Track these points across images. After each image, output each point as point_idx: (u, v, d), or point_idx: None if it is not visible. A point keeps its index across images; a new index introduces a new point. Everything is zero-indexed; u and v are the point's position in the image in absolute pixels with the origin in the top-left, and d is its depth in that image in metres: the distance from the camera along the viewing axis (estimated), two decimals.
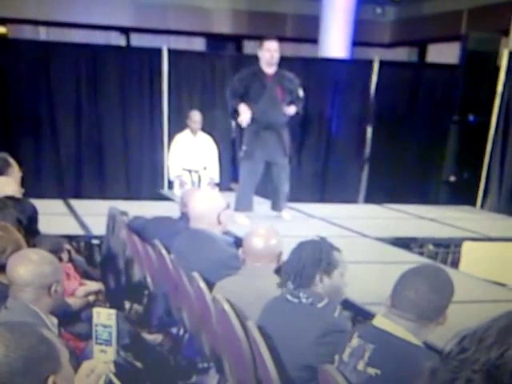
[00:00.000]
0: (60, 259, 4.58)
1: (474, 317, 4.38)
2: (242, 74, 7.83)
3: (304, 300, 3.39)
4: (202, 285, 4.24)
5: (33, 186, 10.01)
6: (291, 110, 7.80)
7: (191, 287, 4.49)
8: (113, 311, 2.95)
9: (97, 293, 5.08)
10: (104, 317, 2.92)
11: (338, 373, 2.81)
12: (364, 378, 2.75)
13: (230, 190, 10.12)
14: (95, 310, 2.95)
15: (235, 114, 7.80)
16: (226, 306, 3.67)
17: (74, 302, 4.78)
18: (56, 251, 4.65)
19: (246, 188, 7.98)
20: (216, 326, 4.01)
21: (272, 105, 7.69)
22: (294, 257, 3.53)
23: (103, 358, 2.90)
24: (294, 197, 8.91)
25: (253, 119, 7.70)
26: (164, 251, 5.15)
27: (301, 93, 7.87)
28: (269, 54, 7.62)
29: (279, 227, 6.72)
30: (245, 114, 7.60)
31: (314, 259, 3.45)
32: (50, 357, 1.96)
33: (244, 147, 7.88)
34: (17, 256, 3.40)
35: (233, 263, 4.41)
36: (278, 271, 3.93)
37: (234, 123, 8.76)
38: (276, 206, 8.13)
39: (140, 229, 5.88)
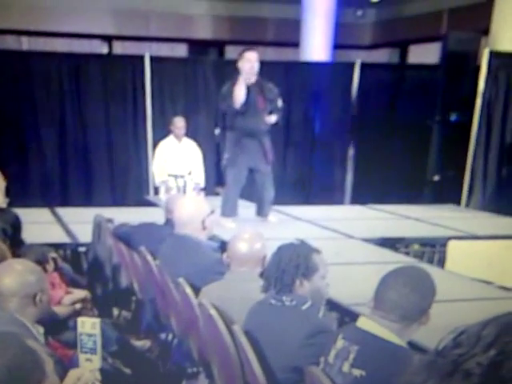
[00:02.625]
0: (45, 270, 4.58)
1: (460, 315, 4.43)
2: (224, 90, 7.84)
3: (287, 303, 3.40)
4: (188, 290, 4.25)
5: (19, 195, 10.00)
6: (271, 119, 7.87)
7: (177, 293, 4.50)
8: (97, 320, 2.97)
9: (83, 301, 5.08)
10: (88, 326, 2.94)
11: (323, 375, 2.82)
12: (349, 379, 2.76)
13: (216, 194, 10.14)
14: (79, 320, 2.97)
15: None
16: (212, 311, 3.68)
17: (61, 310, 4.79)
18: (41, 261, 4.65)
19: (230, 194, 8.04)
20: (203, 331, 4.02)
21: (253, 113, 7.74)
22: (273, 261, 3.54)
23: (89, 366, 2.92)
24: (280, 199, 8.93)
25: (235, 127, 7.80)
26: (150, 257, 5.16)
27: (280, 103, 7.94)
28: (249, 64, 7.66)
29: (266, 230, 6.76)
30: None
31: (292, 265, 3.46)
32: (35, 366, 1.97)
33: (226, 155, 7.95)
34: (0, 266, 3.40)
35: (218, 268, 4.42)
36: (262, 275, 3.94)
37: (217, 130, 8.76)
38: (261, 212, 8.19)
39: (125, 236, 5.90)
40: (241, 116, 7.71)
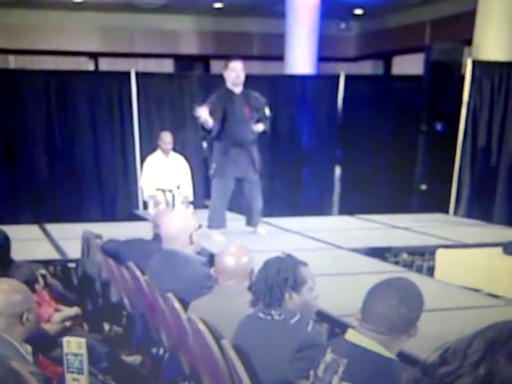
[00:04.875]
0: (34, 289, 4.58)
1: (449, 324, 4.45)
2: (210, 100, 7.84)
3: (276, 317, 3.40)
4: (177, 305, 4.25)
5: (7, 212, 10.02)
6: (259, 127, 7.86)
7: (166, 308, 4.50)
8: (83, 340, 2.97)
9: (73, 318, 5.08)
10: (74, 345, 2.94)
11: None
12: None
13: (205, 207, 10.15)
14: (65, 339, 2.97)
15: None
16: (201, 326, 3.68)
17: (51, 327, 4.78)
18: (30, 281, 4.65)
19: (217, 205, 8.01)
20: (193, 346, 4.02)
21: (240, 123, 7.75)
22: (261, 276, 3.54)
23: None
24: (269, 211, 8.95)
25: (222, 137, 7.78)
26: (138, 273, 5.16)
27: (267, 111, 7.94)
28: (234, 74, 7.68)
29: (254, 243, 6.81)
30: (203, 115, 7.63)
31: (280, 279, 3.45)
32: None
33: (214, 165, 7.93)
34: None
35: (206, 282, 4.42)
36: (250, 289, 3.95)
37: (204, 144, 8.78)
38: (251, 222, 8.17)
39: (114, 251, 5.89)
40: (228, 126, 7.71)
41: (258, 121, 7.86)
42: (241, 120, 7.76)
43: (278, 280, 3.45)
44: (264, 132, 7.97)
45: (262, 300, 3.47)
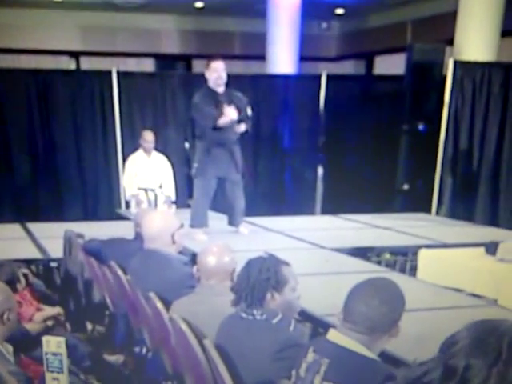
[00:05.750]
0: (15, 289, 4.56)
1: (431, 324, 4.46)
2: (197, 99, 7.80)
3: (258, 317, 3.39)
4: (159, 305, 4.23)
5: None
6: (241, 128, 7.83)
7: (149, 307, 4.48)
8: (62, 339, 2.95)
9: (55, 317, 5.05)
10: (53, 345, 2.92)
11: None
12: None
13: (188, 206, 10.14)
14: (44, 339, 2.95)
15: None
16: (183, 326, 3.66)
17: (32, 327, 4.76)
18: (12, 280, 4.63)
19: (200, 205, 8.00)
20: (175, 346, 4.01)
21: None
22: (242, 275, 3.52)
23: None
24: (251, 211, 8.94)
25: (204, 137, 7.78)
26: (120, 272, 5.14)
27: (249, 111, 7.92)
28: (216, 74, 7.64)
29: (237, 242, 6.80)
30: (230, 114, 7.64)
31: (262, 279, 3.44)
32: None
33: (196, 164, 7.91)
34: None
35: (188, 282, 4.41)
36: (232, 289, 3.94)
37: (187, 144, 8.76)
38: (233, 221, 8.17)
39: (95, 251, 5.87)
40: (210, 126, 7.67)
41: (239, 121, 7.84)
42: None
43: (259, 280, 3.44)
44: (246, 132, 7.95)
45: (243, 300, 3.46)
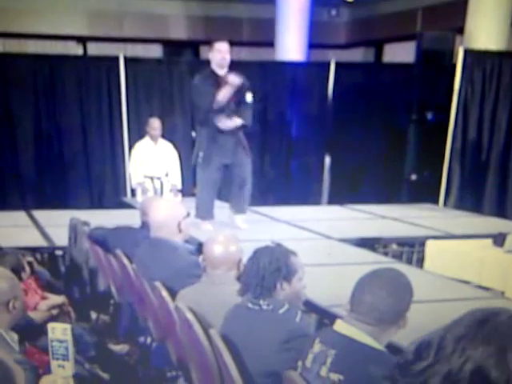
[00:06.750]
0: (20, 278, 4.53)
1: (438, 316, 4.42)
2: (199, 80, 7.61)
3: (265, 307, 3.38)
4: (165, 294, 4.21)
5: None
6: (237, 122, 7.53)
7: (154, 297, 4.46)
8: (68, 326, 2.93)
9: (60, 306, 5.03)
10: (59, 332, 2.90)
11: (301, 379, 2.80)
12: (327, 383, 2.73)
13: (193, 195, 10.10)
14: (50, 326, 2.93)
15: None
16: (189, 315, 3.65)
17: (37, 315, 4.74)
18: (17, 269, 4.61)
19: (205, 196, 7.78)
20: (181, 335, 3.99)
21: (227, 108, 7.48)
22: (251, 266, 3.50)
23: (61, 372, 2.88)
24: (257, 200, 8.90)
25: (209, 124, 7.50)
26: (126, 261, 5.12)
27: (249, 98, 7.62)
28: (220, 55, 7.45)
29: (243, 232, 6.76)
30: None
31: (272, 269, 3.42)
32: (3, 378, 1.93)
33: (201, 153, 7.60)
34: None
35: (194, 271, 4.37)
36: (239, 278, 3.91)
37: (194, 133, 8.61)
38: (238, 208, 7.88)
39: (101, 239, 5.85)
40: (214, 112, 7.45)
41: (238, 107, 7.56)
42: (227, 105, 7.48)
43: (270, 270, 3.42)
44: (244, 126, 7.64)
45: (252, 290, 3.43)
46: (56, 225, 7.77)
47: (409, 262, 7.37)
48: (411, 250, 7.57)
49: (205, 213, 7.72)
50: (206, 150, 7.60)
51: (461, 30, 10.92)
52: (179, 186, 9.80)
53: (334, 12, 16.41)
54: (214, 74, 7.54)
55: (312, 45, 13.29)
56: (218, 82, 7.48)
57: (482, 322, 1.47)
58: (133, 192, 10.33)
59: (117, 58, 11.10)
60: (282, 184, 12.14)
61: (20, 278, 4.40)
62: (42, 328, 4.56)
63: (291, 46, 12.83)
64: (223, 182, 7.90)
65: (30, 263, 5.32)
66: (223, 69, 7.52)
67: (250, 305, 3.42)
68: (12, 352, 3.12)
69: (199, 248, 5.07)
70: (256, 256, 3.52)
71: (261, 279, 3.41)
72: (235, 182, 7.83)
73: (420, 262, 7.31)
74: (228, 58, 7.50)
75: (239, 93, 7.53)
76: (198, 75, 7.71)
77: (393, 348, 2.99)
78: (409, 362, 1.45)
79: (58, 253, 7.02)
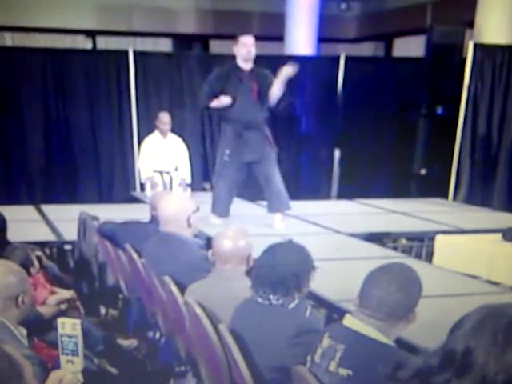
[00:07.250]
0: (29, 272, 4.54)
1: (447, 311, 4.41)
2: (218, 72, 7.58)
3: (274, 302, 3.36)
4: (174, 289, 4.21)
5: (3, 192, 9.94)
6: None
7: (163, 291, 4.46)
8: (77, 321, 2.92)
9: (69, 300, 5.03)
10: (69, 327, 2.89)
11: (310, 374, 2.80)
12: (336, 379, 2.73)
13: (203, 190, 10.10)
14: (59, 321, 2.93)
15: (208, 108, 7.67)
16: (198, 310, 3.65)
17: (46, 310, 4.74)
18: (25, 264, 4.61)
19: (224, 193, 7.75)
20: (190, 330, 3.99)
21: (249, 102, 7.47)
22: (265, 262, 3.46)
23: (71, 368, 2.88)
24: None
25: (231, 119, 7.49)
26: (135, 255, 5.12)
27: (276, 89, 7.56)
28: (245, 49, 7.43)
29: (252, 226, 6.75)
30: (222, 100, 7.40)
31: (298, 270, 3.40)
32: (12, 373, 1.93)
33: (227, 151, 7.55)
34: None
35: (203, 266, 4.37)
36: (248, 273, 3.90)
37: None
38: (280, 206, 7.79)
39: (110, 234, 5.84)
40: (237, 106, 7.43)
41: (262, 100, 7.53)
42: (250, 99, 7.48)
43: (295, 271, 3.39)
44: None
45: (272, 288, 3.39)
46: (65, 219, 7.78)
47: (418, 256, 7.36)
48: (420, 244, 7.56)
49: (221, 210, 7.71)
50: (232, 146, 7.56)
51: (471, 24, 10.88)
52: (188, 181, 9.79)
53: (343, 6, 16.34)
54: (237, 68, 7.52)
55: (322, 39, 13.24)
56: (240, 76, 7.47)
57: (490, 318, 1.46)
58: (142, 186, 10.33)
59: (126, 52, 11.08)
60: (291, 178, 12.10)
61: (29, 273, 4.40)
62: (50, 323, 4.57)
63: (301, 39, 12.79)
64: (249, 181, 7.85)
65: (38, 258, 5.32)
66: (248, 62, 7.52)
67: (259, 299, 3.41)
68: (21, 347, 3.13)
69: (208, 243, 5.07)
70: (271, 253, 3.48)
71: (280, 280, 3.35)
72: (269, 179, 7.74)
73: (429, 257, 7.30)
74: (253, 51, 7.50)
75: (262, 87, 7.53)
76: (218, 68, 7.65)
77: (401, 343, 2.99)
78: (432, 370, 1.43)
79: (67, 247, 7.03)
